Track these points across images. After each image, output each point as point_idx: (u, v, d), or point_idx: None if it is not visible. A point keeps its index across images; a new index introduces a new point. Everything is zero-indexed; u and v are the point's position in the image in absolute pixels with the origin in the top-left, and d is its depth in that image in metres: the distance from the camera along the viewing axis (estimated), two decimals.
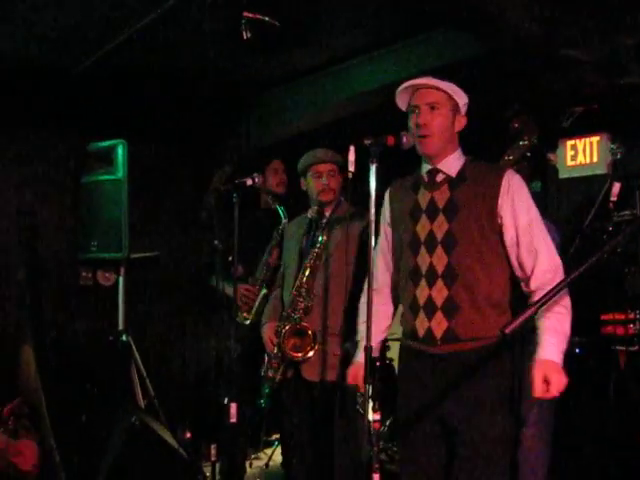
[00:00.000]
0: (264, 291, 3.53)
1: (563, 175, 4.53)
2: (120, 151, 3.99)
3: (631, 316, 3.26)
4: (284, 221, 3.48)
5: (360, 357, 2.40)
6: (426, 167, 2.33)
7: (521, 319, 1.84)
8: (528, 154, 2.99)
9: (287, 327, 2.98)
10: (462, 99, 2.32)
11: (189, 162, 4.90)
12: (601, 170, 4.30)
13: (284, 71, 4.24)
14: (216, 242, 3.30)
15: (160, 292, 4.84)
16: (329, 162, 3.05)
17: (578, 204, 4.30)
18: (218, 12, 3.19)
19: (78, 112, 4.26)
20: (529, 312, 1.86)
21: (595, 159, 4.36)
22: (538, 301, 1.93)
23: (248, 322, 3.54)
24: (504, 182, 2.22)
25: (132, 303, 4.33)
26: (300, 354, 2.95)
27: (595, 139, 4.37)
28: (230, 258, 3.25)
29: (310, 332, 2.94)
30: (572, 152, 4.47)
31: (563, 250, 3.12)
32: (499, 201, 2.21)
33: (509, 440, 2.29)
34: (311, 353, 2.94)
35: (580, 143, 4.44)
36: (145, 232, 4.42)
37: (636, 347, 3.21)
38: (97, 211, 4.09)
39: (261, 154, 4.33)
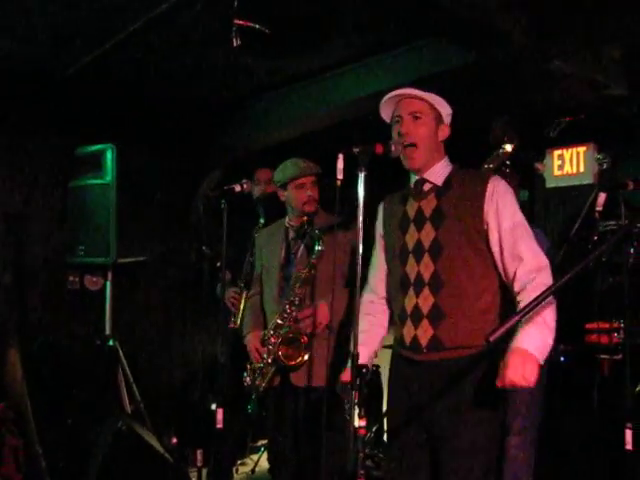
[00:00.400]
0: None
1: (550, 184, 4.58)
2: (109, 155, 3.98)
3: (615, 325, 3.29)
4: (260, 223, 3.49)
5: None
6: (414, 178, 2.35)
7: (505, 327, 1.84)
8: (507, 162, 3.01)
9: (280, 338, 2.98)
10: (445, 109, 2.33)
11: (178, 167, 4.90)
12: (588, 180, 4.35)
13: (274, 77, 4.25)
14: (204, 248, 3.29)
15: (147, 297, 4.83)
16: (311, 174, 3.07)
17: (565, 213, 4.34)
18: (209, 18, 3.21)
19: (67, 115, 4.25)
20: (513, 320, 1.87)
21: (582, 169, 4.41)
22: (522, 309, 1.92)
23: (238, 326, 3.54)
24: (489, 188, 2.22)
25: (119, 308, 4.31)
26: (297, 361, 2.96)
27: (582, 149, 4.42)
28: (218, 264, 3.25)
29: (303, 338, 2.96)
30: (559, 162, 4.52)
31: (550, 259, 3.14)
32: (485, 207, 2.21)
33: (493, 448, 2.29)
34: (306, 357, 2.95)
35: (567, 153, 4.48)
36: (133, 237, 4.40)
37: (620, 356, 3.23)
38: (85, 215, 4.07)
39: (251, 160, 4.34)
